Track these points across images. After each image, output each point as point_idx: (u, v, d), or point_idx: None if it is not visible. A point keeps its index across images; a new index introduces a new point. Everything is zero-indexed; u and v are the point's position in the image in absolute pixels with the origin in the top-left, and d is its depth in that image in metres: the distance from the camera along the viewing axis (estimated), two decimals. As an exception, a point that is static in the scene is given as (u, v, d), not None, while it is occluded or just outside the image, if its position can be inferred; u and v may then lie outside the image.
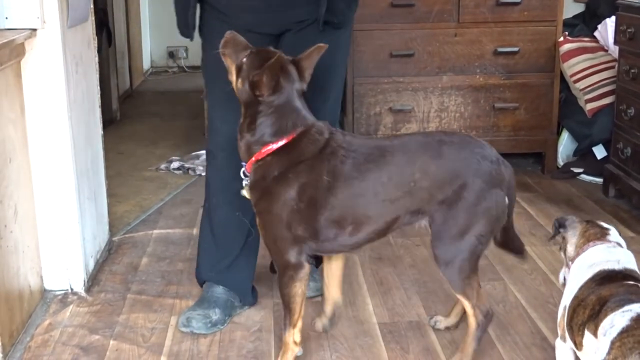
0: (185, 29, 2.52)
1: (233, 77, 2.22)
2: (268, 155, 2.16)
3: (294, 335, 2.25)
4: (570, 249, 2.06)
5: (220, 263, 2.65)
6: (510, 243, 2.38)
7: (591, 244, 2.00)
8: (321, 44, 2.21)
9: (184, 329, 2.55)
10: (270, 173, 2.16)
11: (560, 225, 2.08)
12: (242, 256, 2.65)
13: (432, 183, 2.14)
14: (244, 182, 2.26)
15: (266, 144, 2.16)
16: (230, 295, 2.65)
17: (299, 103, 2.18)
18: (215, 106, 2.60)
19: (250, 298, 2.71)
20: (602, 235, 2.01)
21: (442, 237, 2.17)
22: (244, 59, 2.19)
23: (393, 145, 2.21)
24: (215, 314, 2.58)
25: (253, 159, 2.18)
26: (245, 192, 2.27)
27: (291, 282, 2.21)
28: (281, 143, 2.15)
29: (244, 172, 2.25)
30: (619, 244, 2.00)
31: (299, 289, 2.22)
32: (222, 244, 2.65)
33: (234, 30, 2.30)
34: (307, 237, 2.18)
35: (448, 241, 2.17)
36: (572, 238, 2.06)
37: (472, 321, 2.23)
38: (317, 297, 2.71)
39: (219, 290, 2.64)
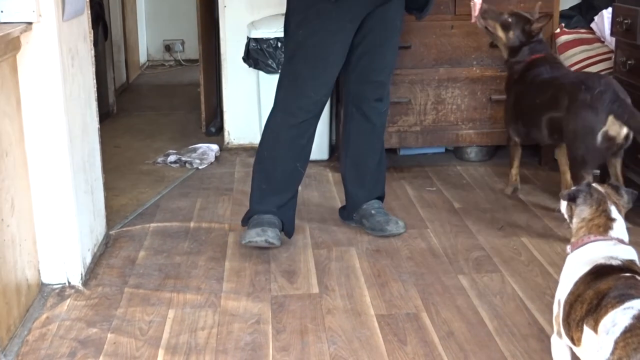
0: None
1: (500, 32, 3.60)
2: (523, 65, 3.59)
3: (510, 175, 3.75)
4: (574, 222, 2.01)
5: (277, 202, 3.12)
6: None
7: (592, 237, 1.95)
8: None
9: (258, 239, 3.01)
10: (516, 75, 3.63)
11: (571, 199, 2.03)
12: (294, 198, 3.20)
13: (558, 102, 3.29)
14: None
15: (520, 62, 3.59)
16: (278, 221, 3.11)
17: (543, 43, 3.65)
18: (311, 77, 3.02)
19: (293, 230, 3.20)
20: (605, 229, 1.95)
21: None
22: (509, 19, 3.58)
23: (556, 74, 3.44)
24: (275, 232, 3.06)
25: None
26: None
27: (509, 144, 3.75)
28: (527, 60, 3.57)
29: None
30: (621, 240, 1.94)
31: (511, 151, 3.71)
32: (282, 189, 3.14)
33: (334, 11, 2.92)
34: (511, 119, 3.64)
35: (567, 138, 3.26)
36: (576, 217, 2.01)
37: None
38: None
39: (269, 216, 3.10)
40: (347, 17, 2.97)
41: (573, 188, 2.08)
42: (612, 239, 1.95)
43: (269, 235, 3.01)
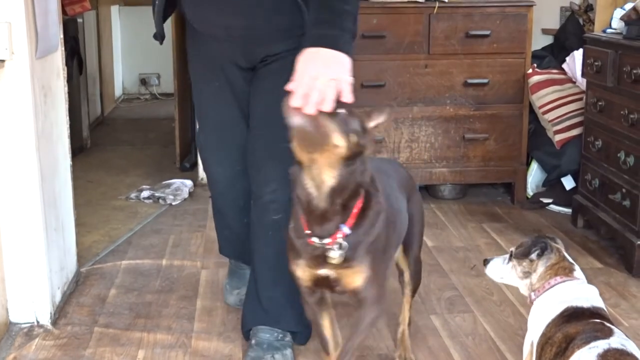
0: (159, 37, 2.58)
1: None
2: None
3: None
4: (535, 276, 2.02)
5: (242, 249, 2.81)
6: None
7: (558, 279, 1.97)
8: None
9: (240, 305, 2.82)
10: None
11: (543, 251, 2.02)
12: None
13: None
14: None
15: None
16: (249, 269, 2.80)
17: None
18: (211, 147, 2.65)
19: None
20: (570, 270, 1.99)
21: None
22: None
23: None
24: None
25: None
26: None
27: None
28: None
29: None
30: (583, 281, 1.99)
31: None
32: (242, 235, 2.74)
33: (208, 59, 2.50)
34: None
35: None
36: (541, 267, 2.02)
37: None
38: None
39: (242, 264, 2.93)
40: (221, 75, 2.51)
41: (532, 242, 2.05)
42: (577, 278, 2.00)
43: None
